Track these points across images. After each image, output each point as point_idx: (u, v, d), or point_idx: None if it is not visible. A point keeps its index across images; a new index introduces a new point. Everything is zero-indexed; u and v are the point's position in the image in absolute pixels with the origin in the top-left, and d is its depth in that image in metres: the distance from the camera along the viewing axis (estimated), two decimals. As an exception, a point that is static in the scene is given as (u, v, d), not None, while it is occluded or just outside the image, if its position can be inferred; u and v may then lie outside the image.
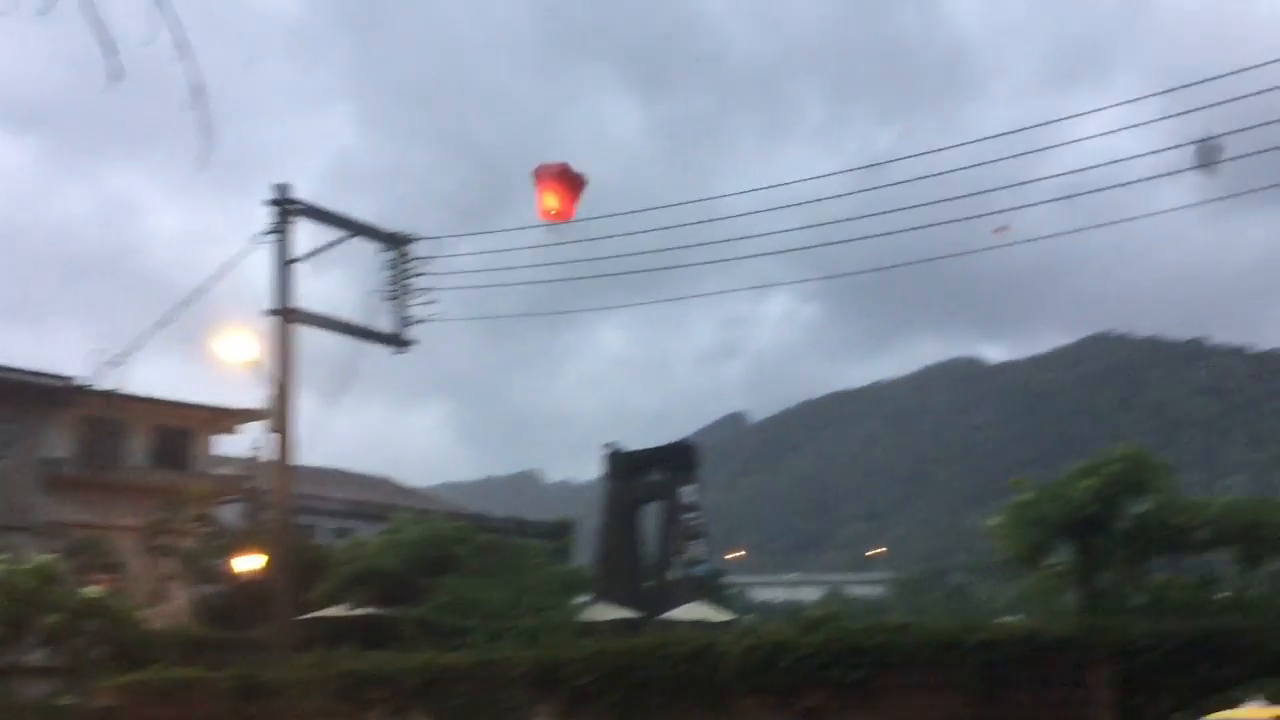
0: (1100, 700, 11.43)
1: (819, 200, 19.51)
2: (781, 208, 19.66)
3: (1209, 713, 24.53)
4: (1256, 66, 16.87)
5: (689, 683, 14.03)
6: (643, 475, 50.63)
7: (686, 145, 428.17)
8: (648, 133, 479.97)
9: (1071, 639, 11.64)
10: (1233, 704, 28.20)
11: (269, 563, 24.05)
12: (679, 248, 19.77)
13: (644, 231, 19.89)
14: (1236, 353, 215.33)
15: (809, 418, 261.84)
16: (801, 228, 20.11)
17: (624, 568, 48.20)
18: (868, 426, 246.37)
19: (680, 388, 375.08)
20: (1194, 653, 11.11)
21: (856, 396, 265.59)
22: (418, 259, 23.25)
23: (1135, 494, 13.85)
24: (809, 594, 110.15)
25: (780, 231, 20.74)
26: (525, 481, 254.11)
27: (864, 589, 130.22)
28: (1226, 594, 13.35)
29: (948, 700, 12.35)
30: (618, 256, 20.31)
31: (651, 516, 51.21)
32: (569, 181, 18.01)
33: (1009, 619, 17.28)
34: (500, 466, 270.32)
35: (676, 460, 50.33)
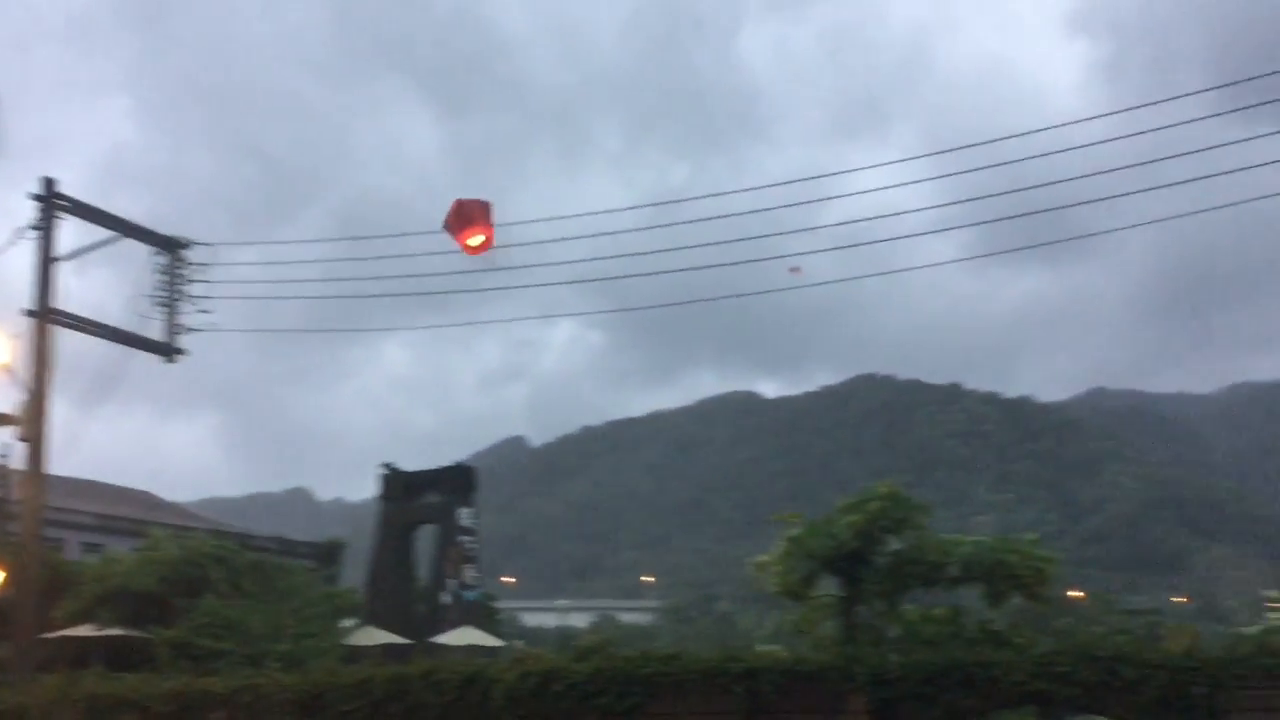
0: (856, 728, 11.93)
1: (612, 233, 19.84)
2: (574, 238, 19.87)
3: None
4: (1019, 135, 18.23)
5: (460, 710, 13.88)
6: (419, 496, 49.77)
7: (482, 167, 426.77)
8: (444, 151, 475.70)
9: (831, 668, 12.13)
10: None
11: (11, 577, 22.50)
12: (469, 271, 19.65)
13: (435, 254, 19.74)
14: (990, 398, 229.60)
15: (589, 444, 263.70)
16: (593, 259, 20.37)
17: (395, 590, 47.23)
18: (647, 455, 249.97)
19: (462, 409, 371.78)
20: (943, 683, 11.75)
21: (637, 425, 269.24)
22: (193, 265, 22.39)
23: (894, 531, 14.58)
24: (580, 620, 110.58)
25: (572, 261, 20.97)
26: (297, 499, 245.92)
27: (634, 616, 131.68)
28: (974, 628, 14.16)
29: (713, 727, 12.64)
30: (406, 276, 20.11)
31: (426, 539, 50.41)
32: (478, 213, 18.54)
33: (771, 648, 17.83)
34: (271, 483, 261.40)
35: (454, 482, 49.69)
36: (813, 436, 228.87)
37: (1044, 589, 14.15)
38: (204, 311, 22.30)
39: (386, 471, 50.55)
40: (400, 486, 49.91)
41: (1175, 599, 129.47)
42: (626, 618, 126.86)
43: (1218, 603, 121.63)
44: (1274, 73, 15.73)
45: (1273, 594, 31.59)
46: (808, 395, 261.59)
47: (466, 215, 18.47)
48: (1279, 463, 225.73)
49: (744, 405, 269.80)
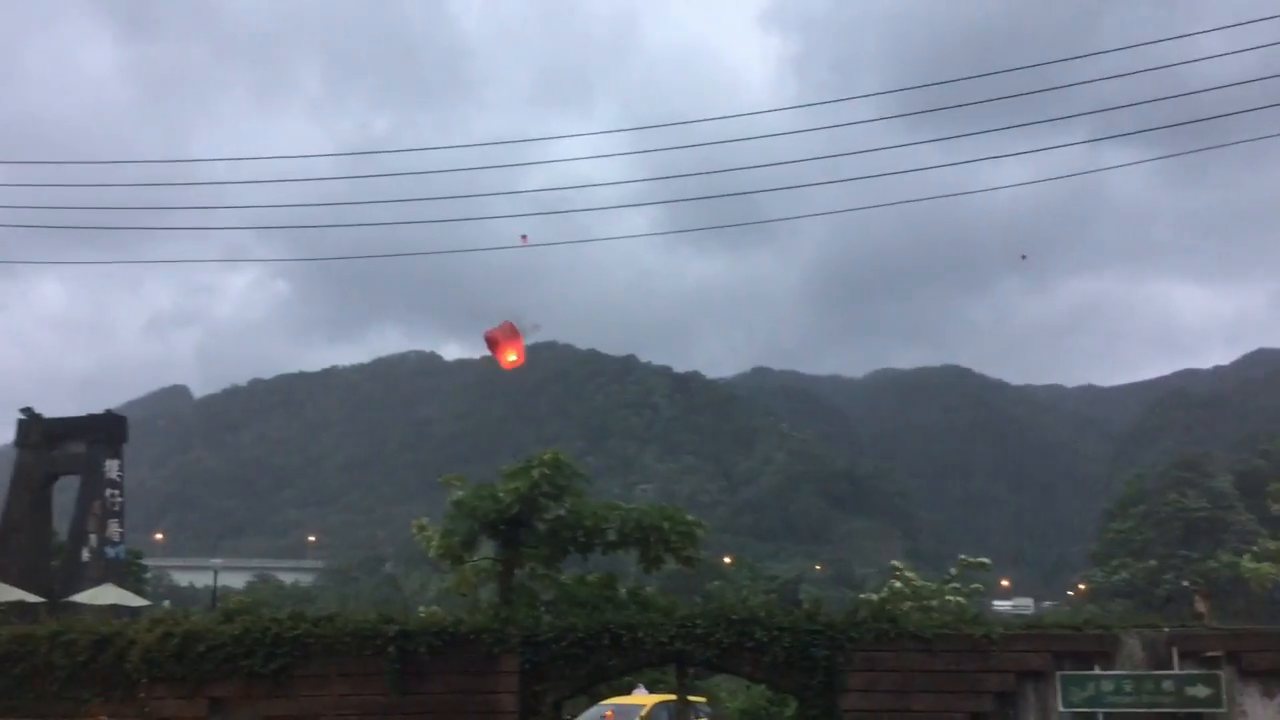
0: (507, 688, 12.16)
1: (306, 179, 19.09)
2: (265, 181, 18.98)
3: (606, 699, 26.93)
4: (713, 119, 18.96)
5: (92, 673, 13.07)
6: (60, 445, 46.06)
7: (167, 97, 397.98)
8: (123, 75, 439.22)
9: (485, 630, 12.29)
10: (626, 690, 31.14)
11: None
12: (141, 207, 18.37)
13: (108, 185, 18.34)
14: (663, 371, 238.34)
15: (258, 398, 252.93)
16: (284, 205, 19.54)
17: (29, 545, 43.64)
18: (319, 412, 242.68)
19: (123, 354, 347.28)
20: (591, 644, 12.17)
21: (310, 380, 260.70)
22: None
23: (555, 498, 14.92)
24: (237, 580, 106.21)
25: (260, 206, 20.03)
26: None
27: (297, 576, 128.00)
28: (626, 591, 14.73)
29: (365, 689, 12.54)
30: (68, 208, 18.59)
31: (68, 491, 46.82)
32: (517, 335, 20.00)
33: (433, 610, 17.86)
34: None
35: (101, 431, 46.33)
36: (491, 401, 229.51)
37: (693, 553, 14.90)
38: None
39: (24, 417, 46.48)
40: (40, 434, 46.01)
41: (816, 566, 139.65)
42: (288, 578, 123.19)
43: (852, 570, 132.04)
44: (941, 82, 17.17)
45: (898, 563, 34.66)
46: (487, 359, 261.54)
47: (513, 336, 19.95)
48: (913, 444, 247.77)
49: (424, 366, 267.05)
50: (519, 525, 14.77)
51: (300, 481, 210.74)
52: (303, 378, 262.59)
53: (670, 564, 15.41)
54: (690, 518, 15.00)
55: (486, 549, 15.73)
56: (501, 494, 14.50)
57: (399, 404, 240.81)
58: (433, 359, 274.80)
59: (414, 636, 12.34)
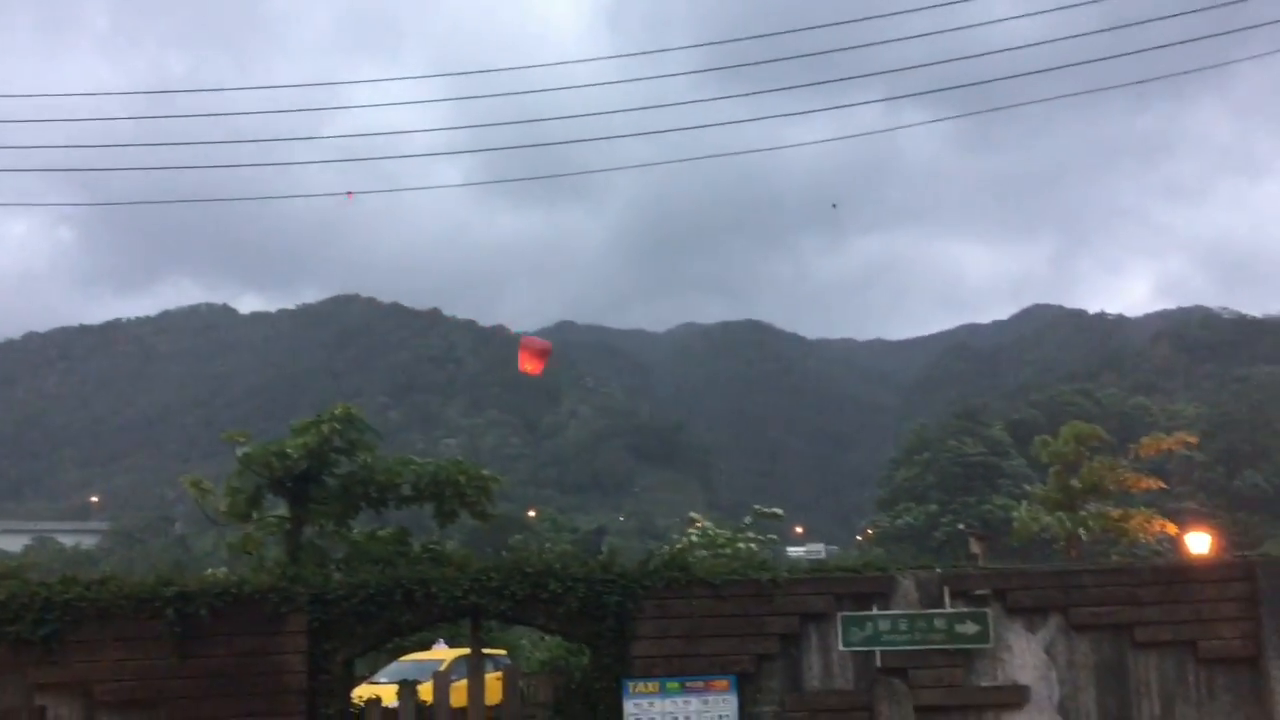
0: (294, 648, 11.87)
1: (95, 119, 17.87)
2: (48, 120, 17.68)
3: (404, 655, 26.68)
4: (521, 68, 18.68)
5: None
6: None
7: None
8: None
9: (271, 590, 11.94)
10: (426, 646, 30.95)
11: None
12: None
13: None
14: (468, 325, 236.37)
15: (34, 352, 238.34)
16: (69, 146, 18.24)
17: None
18: (101, 367, 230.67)
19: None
20: (383, 600, 11.98)
21: (92, 334, 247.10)
22: None
23: (347, 453, 14.59)
24: (13, 544, 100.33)
25: (42, 147, 18.64)
26: None
27: (79, 539, 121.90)
28: (420, 546, 14.55)
29: (143, 654, 12.04)
30: None
31: None
32: (543, 357, 25.38)
33: (220, 571, 17.26)
34: None
35: None
36: (288, 356, 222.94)
37: (488, 507, 14.84)
38: None
39: None
40: None
41: (620, 518, 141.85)
42: (68, 541, 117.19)
43: (655, 522, 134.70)
44: (747, 38, 17.34)
45: (695, 514, 35.47)
46: (284, 313, 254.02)
47: (541, 351, 25.50)
48: (715, 398, 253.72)
49: (217, 320, 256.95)
50: (308, 481, 14.39)
51: (82, 440, 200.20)
52: (84, 331, 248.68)
53: (466, 519, 15.32)
54: (486, 471, 14.93)
55: (280, 508, 15.29)
56: (290, 449, 14.07)
57: (189, 359, 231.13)
58: (227, 312, 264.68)
59: (193, 598, 11.87)
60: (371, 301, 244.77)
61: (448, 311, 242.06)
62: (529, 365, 25.37)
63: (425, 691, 12.32)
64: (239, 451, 14.58)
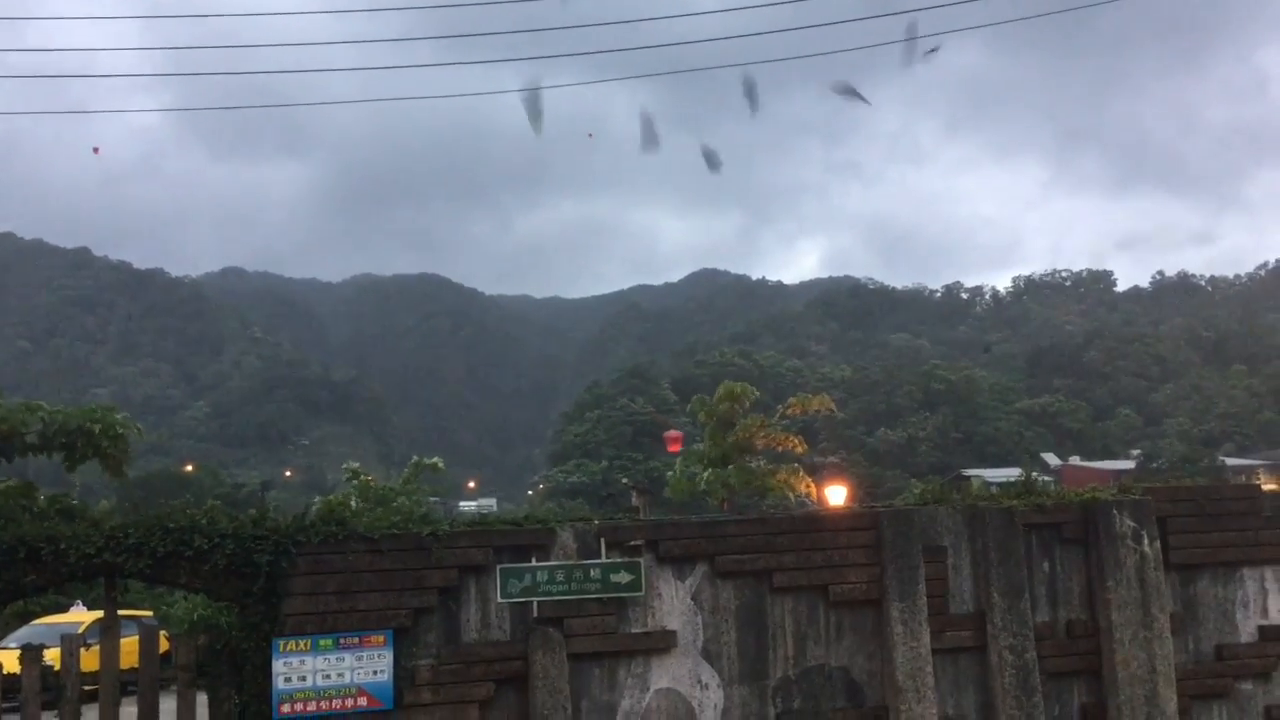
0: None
1: None
2: None
3: (39, 619, 24.70)
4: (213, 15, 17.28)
5: None
6: None
7: None
8: None
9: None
10: (63, 609, 28.80)
11: None
12: None
13: None
14: (121, 267, 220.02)
15: None
16: None
17: None
18: None
19: None
20: (4, 560, 10.96)
21: None
22: None
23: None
24: None
25: None
26: None
27: None
28: (46, 499, 13.39)
29: None
30: None
31: None
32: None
33: None
34: None
35: None
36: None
37: (124, 459, 13.87)
38: None
39: None
40: None
41: (287, 473, 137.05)
42: None
43: (323, 475, 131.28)
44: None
45: (355, 466, 34.87)
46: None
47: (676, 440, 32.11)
48: (389, 351, 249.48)
49: None
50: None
51: None
52: None
53: (106, 473, 14.24)
54: (122, 417, 13.88)
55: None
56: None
57: None
58: None
59: None
60: (10, 237, 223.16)
61: (99, 251, 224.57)
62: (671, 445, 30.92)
63: (54, 656, 11.40)
64: None
